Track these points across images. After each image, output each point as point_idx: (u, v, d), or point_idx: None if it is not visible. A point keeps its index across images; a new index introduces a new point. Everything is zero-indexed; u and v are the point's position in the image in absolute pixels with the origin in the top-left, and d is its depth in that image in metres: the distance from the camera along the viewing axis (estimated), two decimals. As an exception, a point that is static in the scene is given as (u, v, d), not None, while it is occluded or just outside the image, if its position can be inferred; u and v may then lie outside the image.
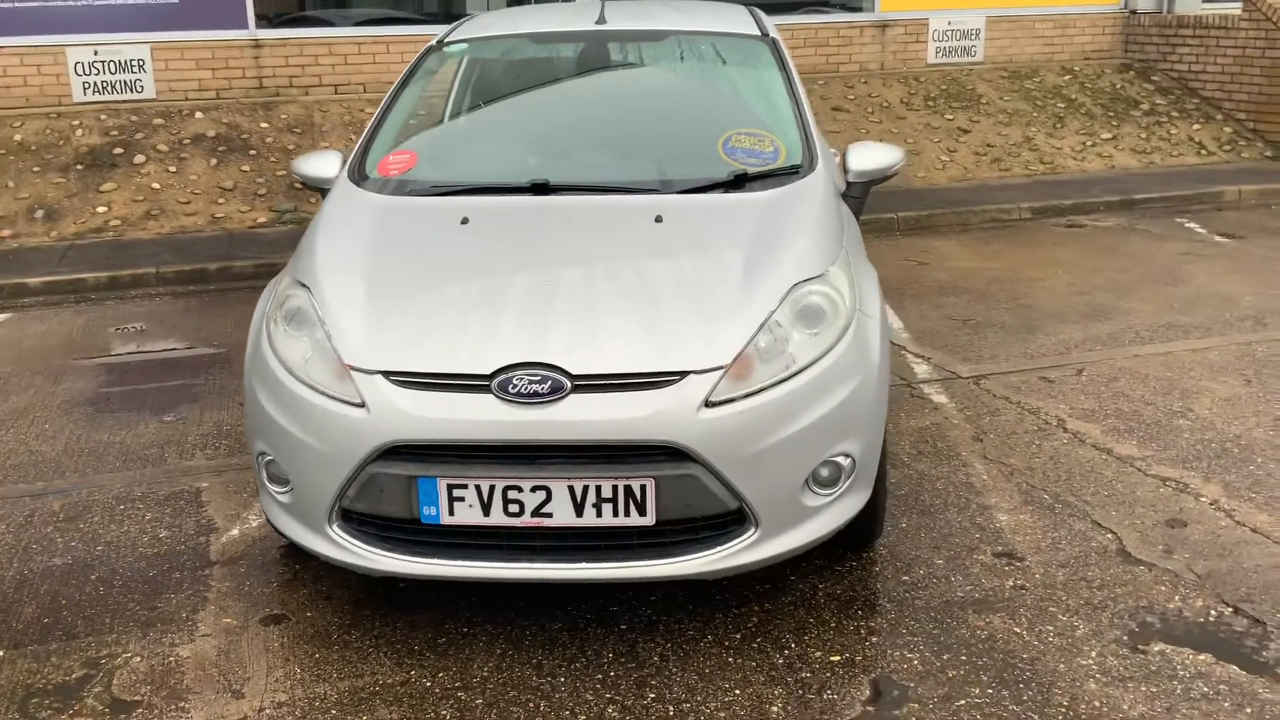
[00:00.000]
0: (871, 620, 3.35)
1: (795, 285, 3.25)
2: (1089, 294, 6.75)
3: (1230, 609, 3.36)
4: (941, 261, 7.69)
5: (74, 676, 3.17)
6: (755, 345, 3.09)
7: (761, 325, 3.12)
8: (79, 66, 9.87)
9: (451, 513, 3.01)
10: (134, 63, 9.98)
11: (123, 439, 4.84)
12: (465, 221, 3.56)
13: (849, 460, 3.21)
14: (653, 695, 3.02)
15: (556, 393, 2.96)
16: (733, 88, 4.44)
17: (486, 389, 2.98)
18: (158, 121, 9.64)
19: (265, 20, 10.36)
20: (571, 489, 2.97)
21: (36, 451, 4.74)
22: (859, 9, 11.99)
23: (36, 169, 8.94)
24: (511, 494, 2.98)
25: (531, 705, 2.99)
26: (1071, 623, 3.31)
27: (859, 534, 3.62)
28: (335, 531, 3.13)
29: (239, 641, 3.32)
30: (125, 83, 10.02)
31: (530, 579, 3.06)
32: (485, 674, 3.13)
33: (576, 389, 2.97)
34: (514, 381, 2.96)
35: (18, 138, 9.25)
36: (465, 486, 2.98)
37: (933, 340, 5.93)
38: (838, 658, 3.17)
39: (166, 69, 10.04)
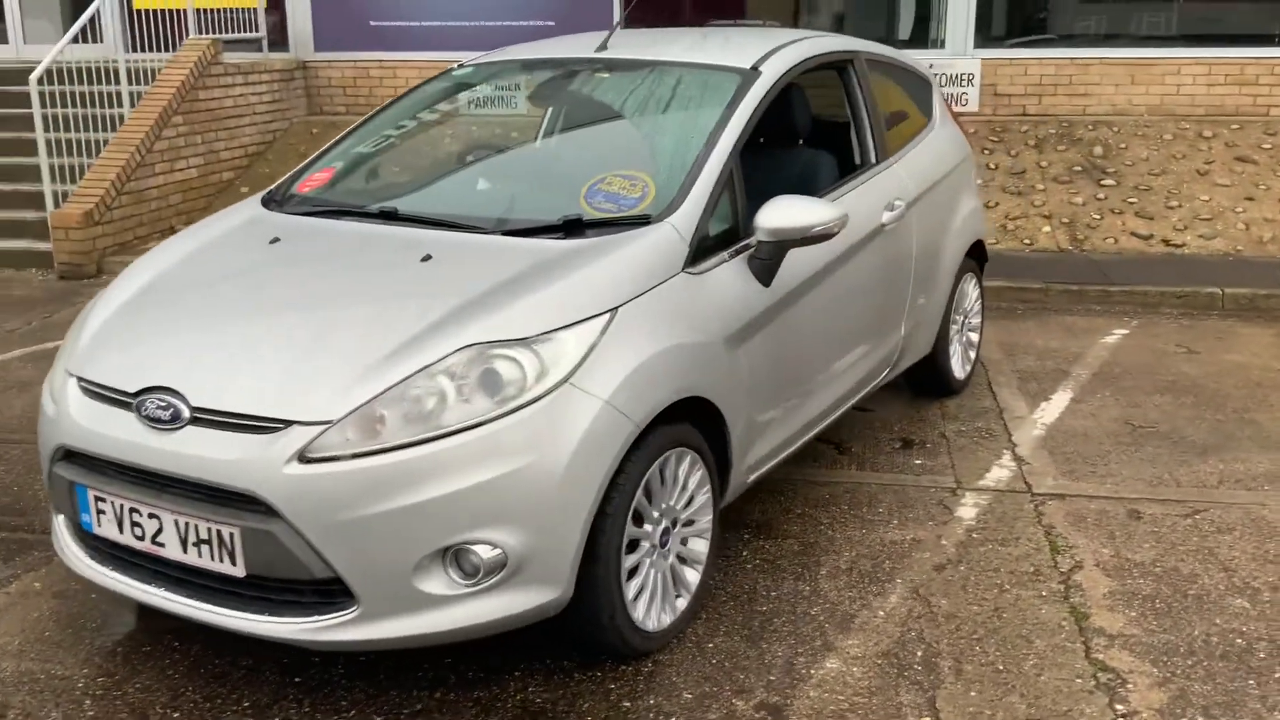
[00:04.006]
0: (521, 741, 2.91)
1: (474, 345, 2.89)
2: (1358, 419, 5.17)
3: None
4: (1218, 353, 6.26)
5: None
6: (392, 402, 2.80)
7: (400, 381, 2.82)
8: (465, 79, 10.89)
9: (99, 525, 3.06)
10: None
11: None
12: (275, 241, 3.55)
13: (496, 551, 2.81)
14: (217, 754, 2.87)
15: (175, 421, 2.90)
16: (655, 125, 3.97)
17: (130, 407, 2.99)
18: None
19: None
20: (177, 523, 2.90)
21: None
22: (1312, 41, 9.99)
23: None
24: (134, 516, 2.97)
25: (124, 731, 2.97)
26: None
27: (585, 643, 3.15)
28: (58, 522, 3.30)
29: (15, 604, 3.60)
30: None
31: (153, 605, 3.02)
32: (135, 689, 3.14)
33: (195, 421, 2.89)
34: (147, 404, 2.94)
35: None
36: (105, 500, 3.02)
37: (1064, 444, 4.88)
38: (431, 771, 2.80)
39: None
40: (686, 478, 3.32)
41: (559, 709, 3.04)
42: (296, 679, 3.18)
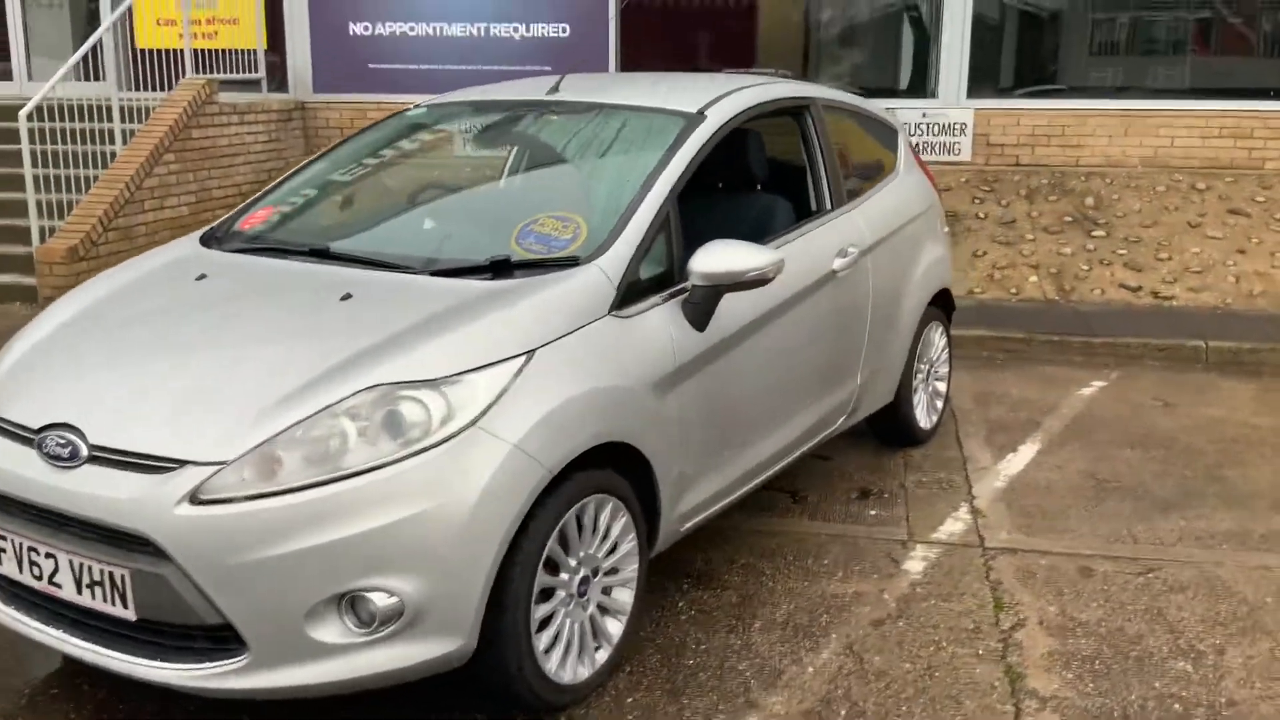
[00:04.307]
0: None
1: (380, 385, 2.83)
2: (1330, 477, 5.06)
3: None
4: (1196, 407, 6.15)
5: None
6: (291, 442, 2.74)
7: (300, 421, 2.76)
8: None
9: (1, 563, 3.00)
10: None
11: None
12: (201, 278, 3.52)
13: (392, 599, 2.74)
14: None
15: (73, 459, 2.85)
16: (595, 167, 3.94)
17: (33, 444, 2.94)
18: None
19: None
20: (72, 563, 2.85)
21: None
22: (1311, 94, 9.92)
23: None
24: (33, 555, 2.92)
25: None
26: None
27: (494, 696, 3.07)
28: None
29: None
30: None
31: (54, 646, 2.96)
32: (34, 733, 3.08)
33: (93, 459, 2.84)
34: (48, 441, 2.90)
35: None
36: (6, 538, 2.96)
37: (1023, 498, 4.78)
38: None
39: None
40: (609, 526, 3.24)
41: (462, 762, 2.96)
42: (201, 726, 3.11)
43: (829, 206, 4.53)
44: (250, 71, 10.75)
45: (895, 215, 4.94)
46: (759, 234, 4.11)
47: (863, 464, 5.16)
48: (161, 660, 2.80)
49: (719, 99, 4.07)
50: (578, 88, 4.33)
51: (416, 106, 4.57)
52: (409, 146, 4.30)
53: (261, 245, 3.76)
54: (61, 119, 8.81)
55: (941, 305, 5.45)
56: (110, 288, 3.59)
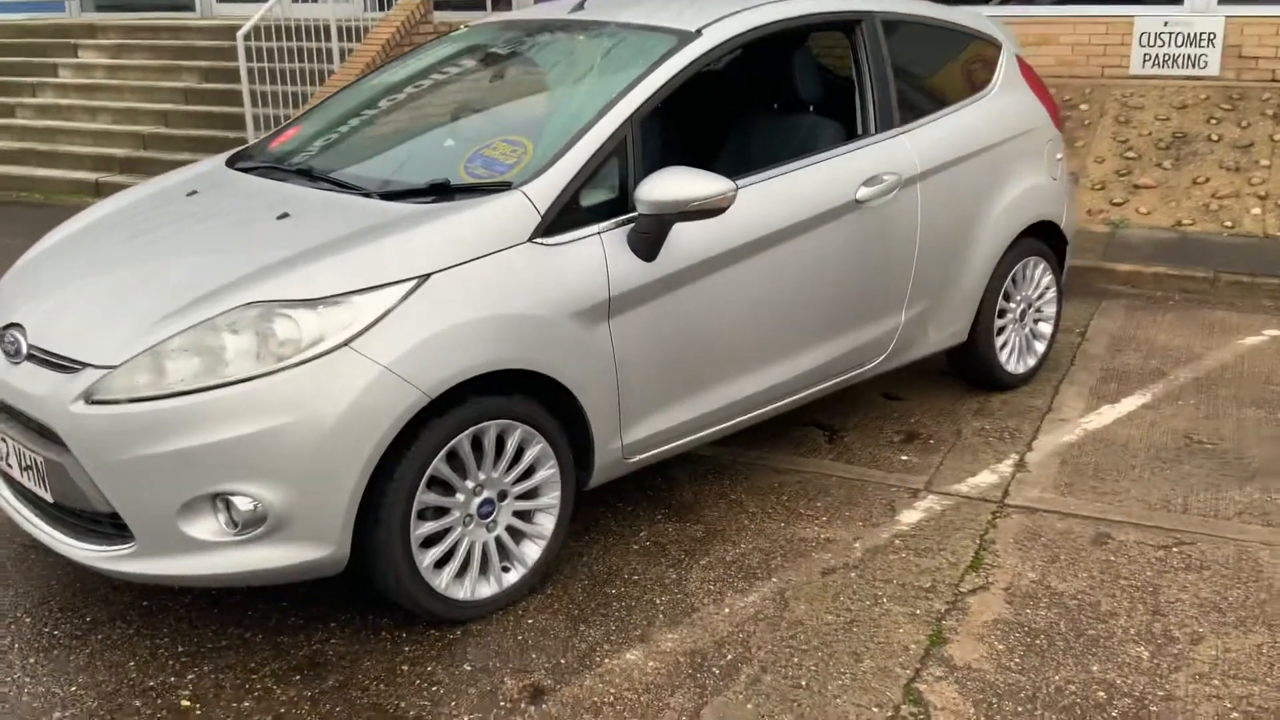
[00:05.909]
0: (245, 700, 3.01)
1: (260, 302, 2.98)
2: None
3: None
4: (1376, 365, 5.37)
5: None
6: (172, 352, 2.94)
7: (181, 332, 2.95)
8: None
9: (-15, 448, 3.41)
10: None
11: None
12: (191, 194, 3.77)
13: (253, 505, 2.91)
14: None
15: (17, 356, 3.18)
16: (570, 90, 3.84)
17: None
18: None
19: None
20: (15, 449, 3.19)
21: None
22: None
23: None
24: (-4, 439, 3.29)
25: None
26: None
27: (382, 600, 3.20)
28: None
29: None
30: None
31: (10, 518, 3.33)
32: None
33: (30, 358, 3.15)
34: (5, 338, 3.24)
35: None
36: (-13, 425, 3.36)
37: (1086, 455, 4.38)
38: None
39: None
40: (519, 451, 3.27)
41: (342, 663, 3.12)
42: (144, 602, 3.42)
43: (872, 130, 4.25)
44: (474, -10, 11.12)
45: (970, 139, 4.56)
46: (779, 160, 3.94)
47: (931, 407, 4.87)
48: (75, 539, 3.10)
49: (726, 16, 3.89)
50: (601, 5, 4.25)
51: (464, 27, 4.64)
52: (436, 70, 4.37)
53: (263, 165, 3.97)
54: (282, 39, 9.48)
55: (1045, 238, 5.00)
56: (121, 203, 3.91)
